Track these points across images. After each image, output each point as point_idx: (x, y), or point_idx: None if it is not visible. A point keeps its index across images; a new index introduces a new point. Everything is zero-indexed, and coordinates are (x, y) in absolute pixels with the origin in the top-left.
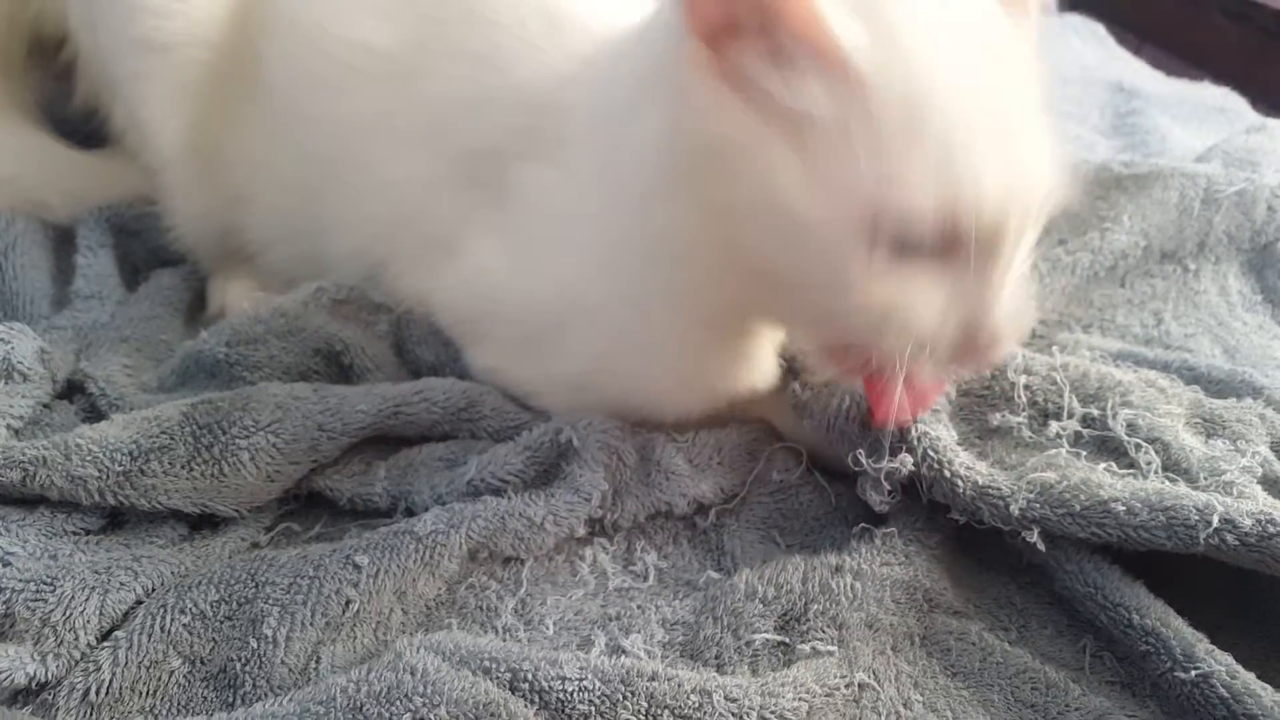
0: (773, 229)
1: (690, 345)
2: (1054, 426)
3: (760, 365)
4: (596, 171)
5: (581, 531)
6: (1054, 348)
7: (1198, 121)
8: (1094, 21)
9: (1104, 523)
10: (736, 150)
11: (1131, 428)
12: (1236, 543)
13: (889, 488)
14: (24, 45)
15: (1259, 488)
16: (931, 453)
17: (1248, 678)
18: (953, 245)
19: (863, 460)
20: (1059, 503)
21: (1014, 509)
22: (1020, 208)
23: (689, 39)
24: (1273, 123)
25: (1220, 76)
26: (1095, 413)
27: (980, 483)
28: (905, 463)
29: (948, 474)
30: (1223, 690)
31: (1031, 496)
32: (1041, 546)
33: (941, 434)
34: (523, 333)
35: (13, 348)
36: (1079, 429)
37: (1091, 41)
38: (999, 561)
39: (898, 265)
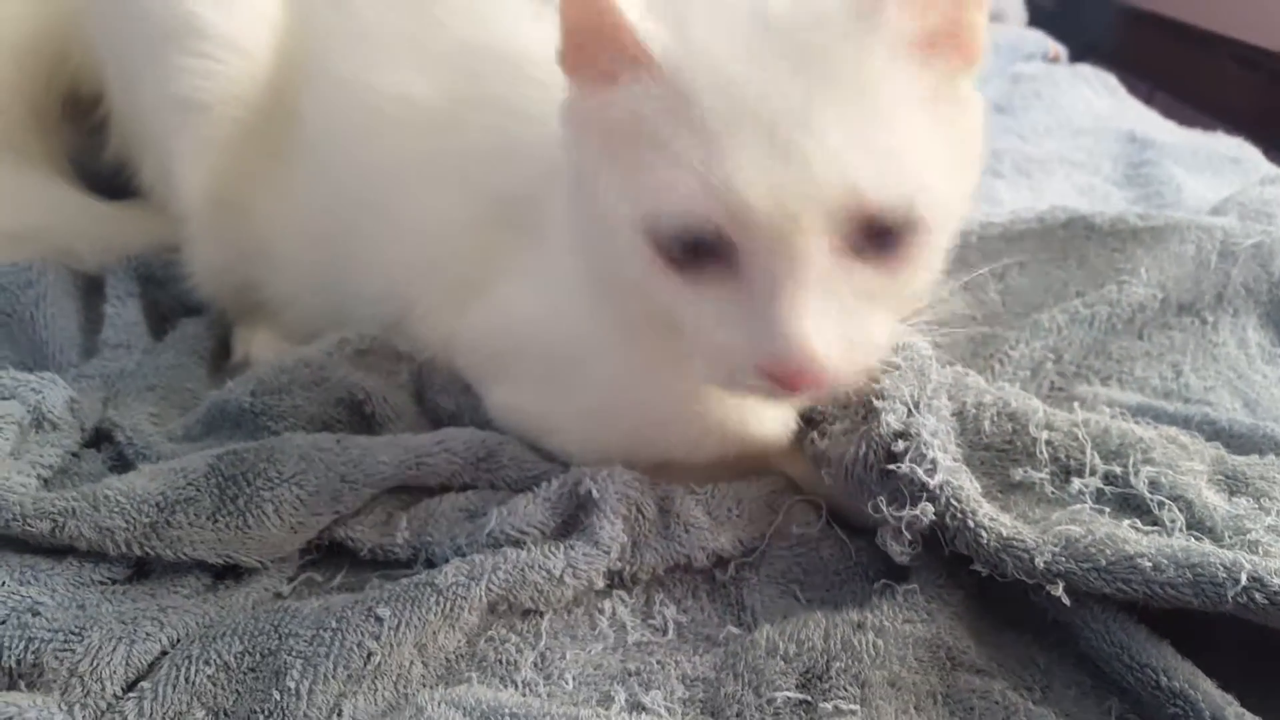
0: (597, 241)
1: (685, 381)
2: (1076, 484)
3: (767, 412)
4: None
5: (600, 584)
6: (1074, 403)
7: (1211, 172)
8: (1105, 72)
9: (1130, 578)
10: (583, 176)
11: (1154, 485)
12: (1265, 602)
13: (910, 538)
14: (59, 103)
15: None
16: (955, 502)
17: None
18: (732, 252)
19: (883, 508)
20: (1084, 556)
21: (1039, 561)
22: (797, 209)
23: (569, 87)
24: None
25: (1233, 124)
26: (1117, 469)
27: (1005, 534)
28: (926, 511)
29: (971, 524)
30: None
31: (1057, 550)
32: (1066, 601)
33: (965, 484)
34: (542, 370)
35: (44, 397)
36: (1101, 486)
37: (1103, 92)
38: (1023, 620)
39: (693, 274)
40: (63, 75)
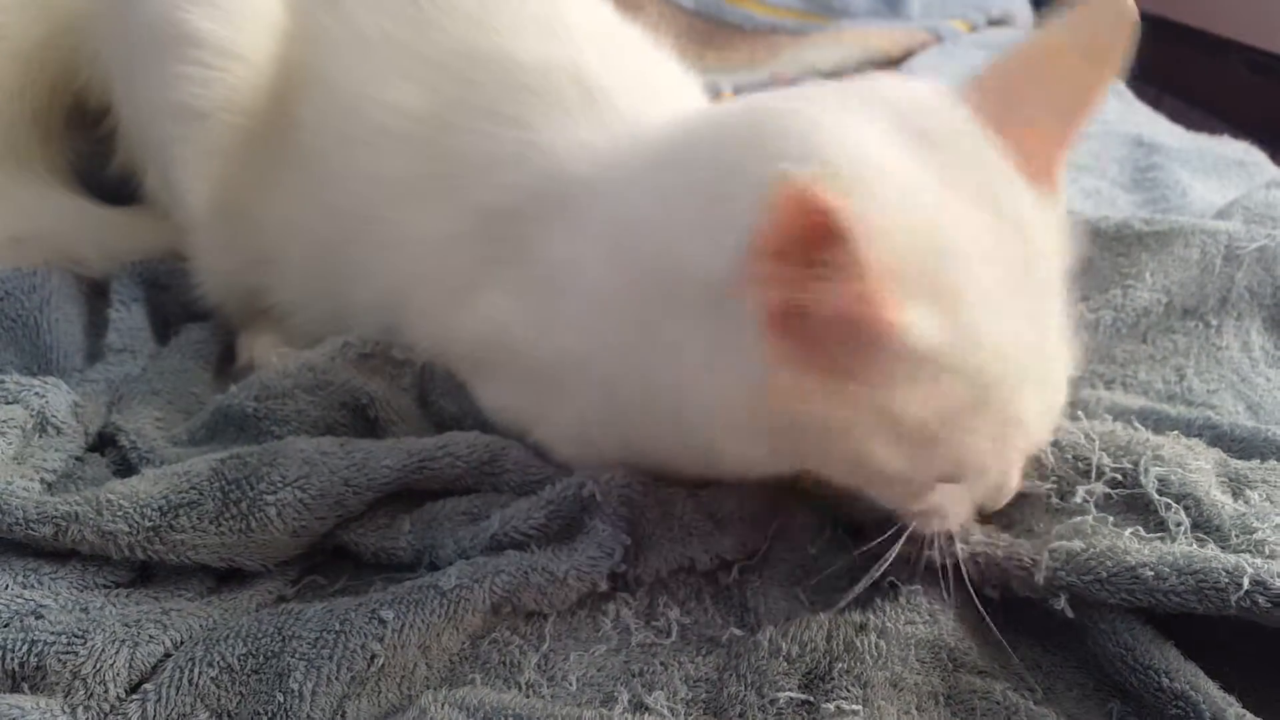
0: (848, 465)
1: (694, 423)
2: (1080, 492)
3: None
4: (595, 248)
5: (604, 586)
6: (1077, 408)
7: (1218, 176)
8: None
9: (1133, 589)
10: (819, 422)
11: (1163, 484)
12: (1269, 605)
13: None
14: (64, 113)
15: None
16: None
17: None
18: None
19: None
20: (1085, 570)
21: (1039, 578)
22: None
23: (760, 326)
24: None
25: (1241, 127)
26: (1128, 466)
27: (1003, 554)
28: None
29: (965, 557)
30: None
31: (1057, 565)
32: (1070, 614)
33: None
34: (529, 378)
35: (47, 401)
36: (1107, 491)
37: (1110, 96)
38: (1025, 622)
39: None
40: (69, 85)
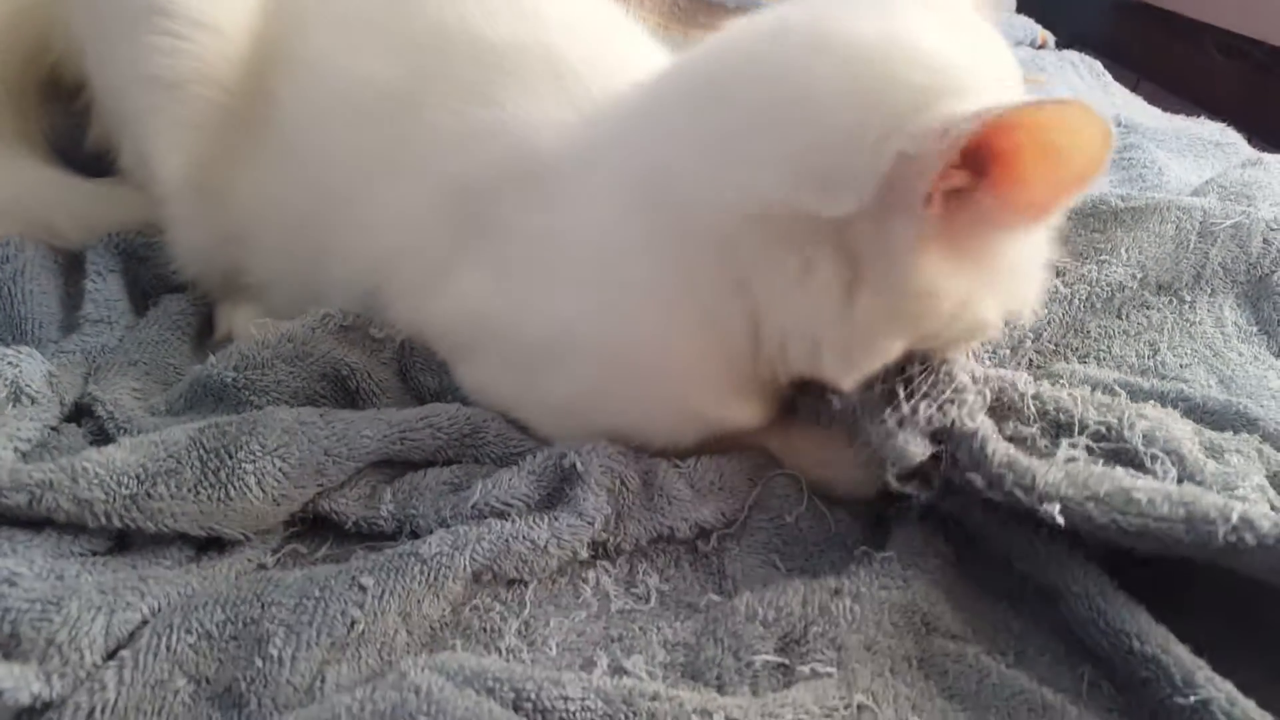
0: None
1: (679, 380)
2: (1064, 445)
3: (753, 401)
4: (585, 228)
5: (584, 554)
6: (1052, 380)
7: (1194, 156)
8: (1092, 58)
9: (1126, 510)
10: (944, 292)
11: (1148, 439)
12: (1254, 543)
13: (927, 443)
14: (38, 87)
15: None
16: (964, 418)
17: (1247, 705)
18: None
19: (904, 406)
20: (1083, 484)
21: (1039, 481)
22: None
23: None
24: (1269, 157)
25: (1217, 112)
26: (1112, 420)
27: (1010, 451)
28: (947, 411)
29: (979, 437)
30: (1222, 717)
31: (1059, 477)
32: (1060, 521)
33: (970, 397)
34: (510, 357)
35: (21, 371)
36: (1089, 444)
37: (1089, 77)
38: (997, 588)
39: None
40: (43, 58)
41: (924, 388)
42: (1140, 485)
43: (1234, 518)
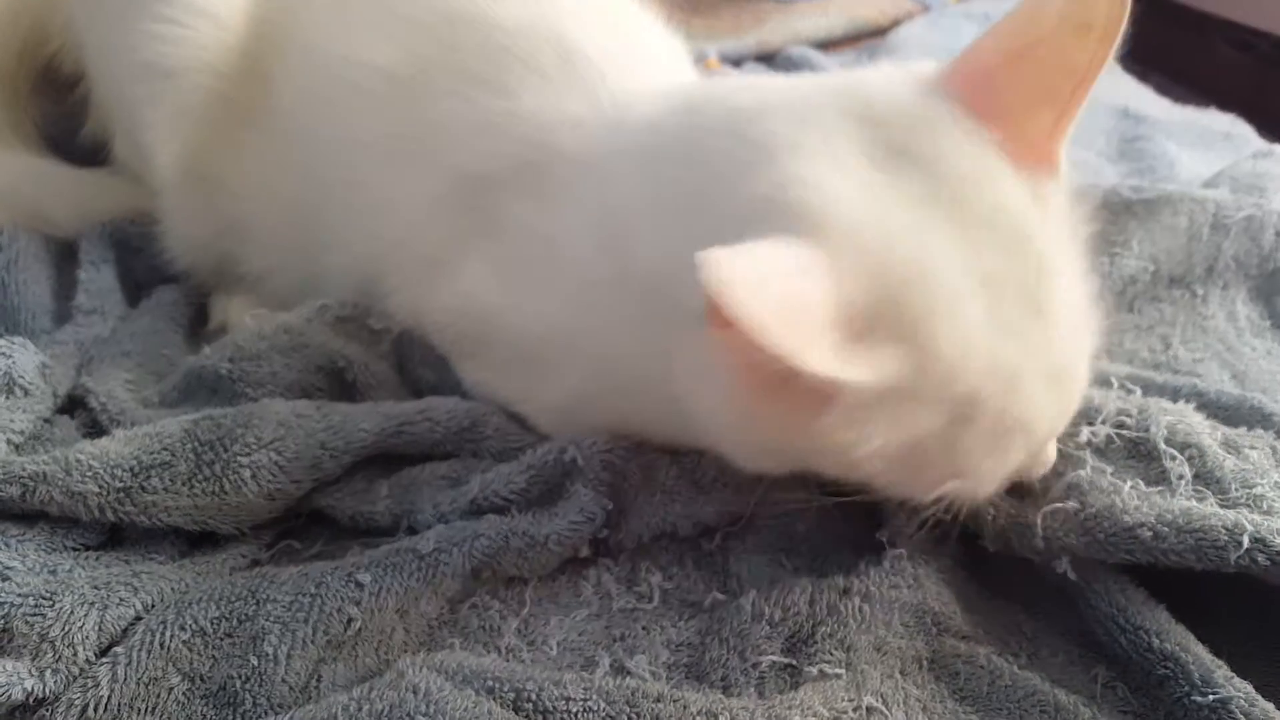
0: (845, 473)
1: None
2: (1084, 433)
3: None
4: (584, 232)
5: (585, 552)
6: None
7: (1204, 147)
8: None
9: (1131, 549)
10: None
11: (1170, 432)
12: (1268, 562)
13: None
14: (32, 78)
15: None
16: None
17: (1267, 706)
18: None
19: None
20: (1084, 531)
21: (1038, 543)
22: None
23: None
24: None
25: (1226, 105)
26: (1134, 410)
27: (1012, 513)
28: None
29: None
30: (1240, 717)
31: (1055, 526)
32: (1073, 576)
33: None
34: (512, 355)
35: (14, 362)
36: (1110, 433)
37: None
38: (1008, 588)
39: None
40: (39, 50)
41: None
42: (1145, 516)
43: (1245, 540)
